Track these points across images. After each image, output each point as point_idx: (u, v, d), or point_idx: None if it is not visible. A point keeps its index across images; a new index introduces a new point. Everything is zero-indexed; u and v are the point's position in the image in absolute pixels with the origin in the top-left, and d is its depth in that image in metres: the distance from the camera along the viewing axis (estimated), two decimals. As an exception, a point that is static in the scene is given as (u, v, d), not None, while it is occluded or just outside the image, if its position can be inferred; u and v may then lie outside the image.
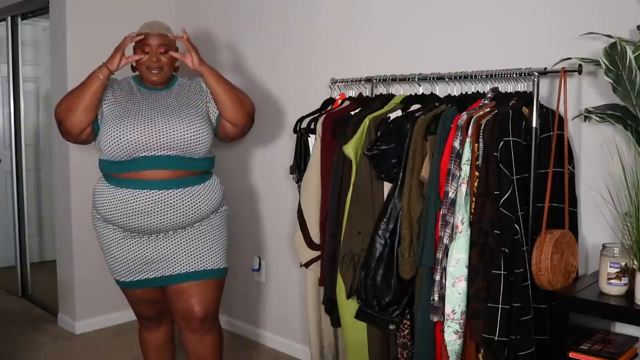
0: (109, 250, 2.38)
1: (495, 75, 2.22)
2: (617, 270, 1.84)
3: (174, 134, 2.26)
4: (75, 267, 3.55)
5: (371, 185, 2.31)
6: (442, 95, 2.43)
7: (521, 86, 2.21)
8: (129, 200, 2.24)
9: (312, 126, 2.63)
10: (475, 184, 2.03)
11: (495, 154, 1.97)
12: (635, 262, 1.81)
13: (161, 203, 2.25)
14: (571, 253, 2.01)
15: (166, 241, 2.33)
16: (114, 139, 2.23)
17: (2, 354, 3.25)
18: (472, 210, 2.01)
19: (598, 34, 1.99)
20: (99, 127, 2.30)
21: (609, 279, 1.86)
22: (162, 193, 2.25)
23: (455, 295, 2.02)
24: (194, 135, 2.29)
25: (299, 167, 2.74)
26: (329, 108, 2.72)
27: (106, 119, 2.29)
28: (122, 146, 2.23)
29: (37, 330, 3.63)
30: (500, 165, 1.95)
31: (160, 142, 2.25)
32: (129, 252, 2.34)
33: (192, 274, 2.34)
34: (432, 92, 2.46)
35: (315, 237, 2.57)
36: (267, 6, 3.26)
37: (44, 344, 3.42)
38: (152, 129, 2.25)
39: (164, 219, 2.27)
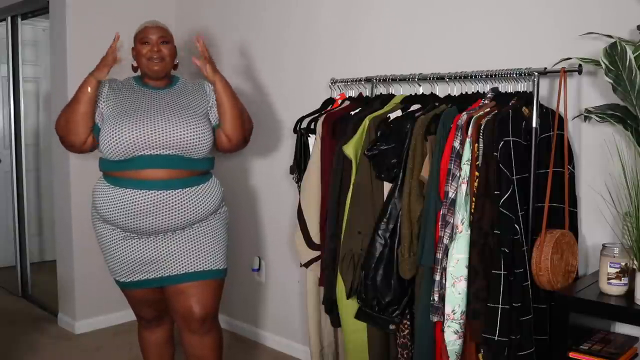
0: (109, 251, 2.38)
1: (495, 75, 2.22)
2: (617, 270, 1.84)
3: (173, 133, 2.26)
4: (75, 267, 3.55)
5: (371, 185, 2.31)
6: (442, 95, 2.43)
7: (521, 86, 2.21)
8: (128, 201, 2.24)
9: (312, 126, 2.63)
10: (475, 184, 2.03)
11: (495, 154, 1.97)
12: (635, 262, 1.81)
13: (161, 203, 2.25)
14: (571, 253, 2.01)
15: (165, 242, 2.33)
16: (114, 137, 2.23)
17: (2, 354, 3.25)
18: (472, 210, 2.01)
19: (598, 34, 1.99)
20: (99, 130, 2.31)
21: (609, 279, 1.85)
22: (161, 193, 2.25)
23: (455, 295, 2.02)
24: (194, 135, 2.29)
25: (299, 167, 2.74)
26: (329, 108, 2.72)
27: (106, 118, 2.30)
28: (121, 145, 2.23)
29: (37, 331, 3.63)
30: (500, 165, 1.95)
31: (159, 141, 2.25)
32: (128, 253, 2.34)
33: (192, 275, 2.34)
34: (432, 92, 2.46)
35: (315, 237, 2.57)
36: (267, 6, 3.26)
37: (44, 344, 3.42)
38: (151, 128, 2.25)
39: (163, 219, 2.27)
